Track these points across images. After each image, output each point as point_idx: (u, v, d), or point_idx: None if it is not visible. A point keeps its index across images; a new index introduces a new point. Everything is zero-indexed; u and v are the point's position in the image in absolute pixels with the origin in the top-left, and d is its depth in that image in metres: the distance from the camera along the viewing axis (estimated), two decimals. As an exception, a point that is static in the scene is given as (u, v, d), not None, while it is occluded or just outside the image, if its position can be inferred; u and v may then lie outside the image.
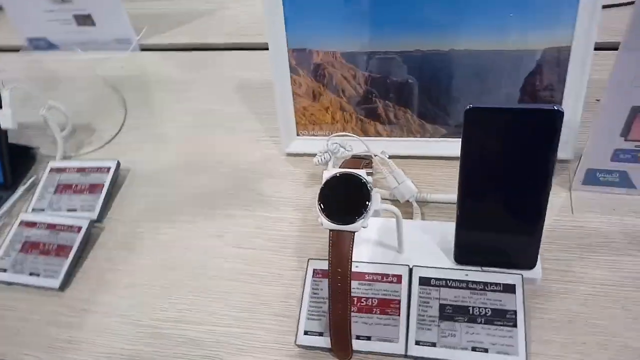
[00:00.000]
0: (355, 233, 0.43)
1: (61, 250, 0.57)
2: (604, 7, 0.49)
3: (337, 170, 0.45)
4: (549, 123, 0.39)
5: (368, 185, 0.43)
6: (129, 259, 0.57)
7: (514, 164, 0.42)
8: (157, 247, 0.57)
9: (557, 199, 0.53)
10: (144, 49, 0.86)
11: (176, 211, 0.60)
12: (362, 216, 0.43)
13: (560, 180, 0.55)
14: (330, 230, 0.43)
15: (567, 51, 0.52)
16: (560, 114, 0.39)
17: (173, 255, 0.56)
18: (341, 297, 0.43)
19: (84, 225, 0.59)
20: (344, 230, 0.43)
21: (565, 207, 0.53)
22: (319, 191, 0.44)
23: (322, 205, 0.43)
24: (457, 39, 0.53)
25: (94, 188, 0.63)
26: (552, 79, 0.54)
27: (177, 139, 0.69)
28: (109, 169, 0.64)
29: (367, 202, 0.43)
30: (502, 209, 0.45)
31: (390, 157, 0.54)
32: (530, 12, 0.51)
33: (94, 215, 0.61)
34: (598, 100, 0.59)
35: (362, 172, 0.44)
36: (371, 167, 0.55)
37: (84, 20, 0.86)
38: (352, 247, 0.43)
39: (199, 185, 0.63)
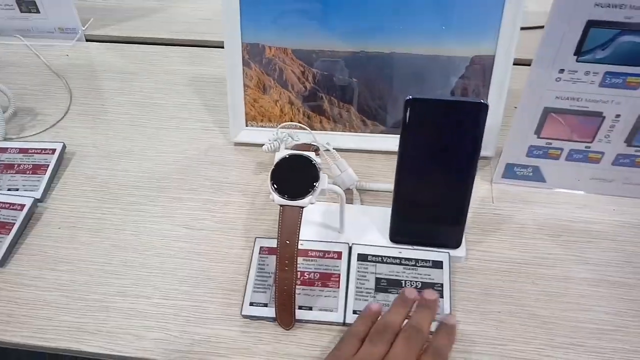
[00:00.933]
0: (302, 214, 0.46)
1: (2, 227, 0.57)
2: (522, 28, 0.57)
3: (289, 152, 0.48)
4: (476, 114, 0.45)
5: (317, 166, 0.47)
6: (74, 238, 0.57)
7: (445, 151, 0.48)
8: (103, 228, 0.58)
9: (481, 190, 0.60)
10: (90, 39, 0.86)
11: (123, 193, 0.61)
12: (311, 193, 0.47)
13: (484, 174, 0.61)
14: (281, 205, 0.47)
15: (491, 60, 0.59)
16: (485, 106, 0.45)
17: (119, 235, 0.57)
18: (288, 267, 0.46)
19: (27, 203, 0.58)
20: (293, 205, 0.46)
21: (487, 197, 0.59)
22: (271, 169, 0.47)
23: (274, 182, 0.47)
24: (397, 43, 0.59)
25: (37, 168, 0.63)
26: (479, 83, 0.61)
27: (123, 127, 0.70)
28: (54, 150, 0.64)
29: (315, 181, 0.47)
30: (433, 192, 0.50)
31: (334, 149, 0.59)
32: (459, 26, 0.58)
33: (38, 194, 0.60)
34: (516, 107, 0.68)
35: (311, 154, 0.48)
36: (318, 154, 0.59)
37: (28, 6, 0.85)
38: (300, 222, 0.46)
39: (145, 170, 0.64)
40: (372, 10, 0.58)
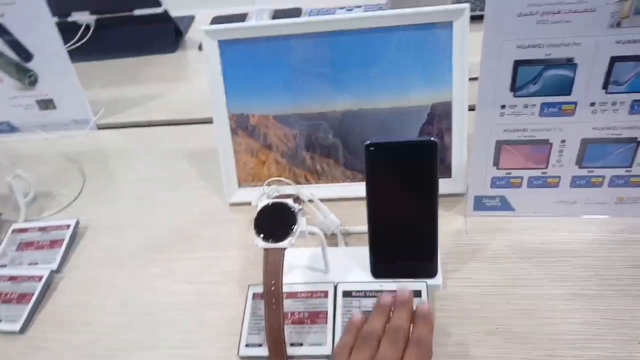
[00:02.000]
0: (289, 261, 0.52)
1: (22, 297, 0.63)
2: (471, 79, 0.64)
3: (270, 200, 0.54)
4: (428, 151, 0.51)
5: (294, 210, 0.53)
6: (86, 301, 0.63)
7: (406, 189, 0.54)
8: (112, 290, 0.64)
9: (456, 224, 0.64)
10: (101, 127, 0.96)
11: (129, 258, 0.67)
12: (290, 234, 0.52)
13: (458, 209, 0.66)
14: (264, 248, 0.52)
15: (449, 105, 0.65)
16: (435, 144, 0.51)
17: (127, 295, 0.63)
18: (275, 305, 0.51)
19: (45, 274, 0.65)
20: (275, 248, 0.52)
21: (462, 230, 0.64)
22: (254, 217, 0.53)
23: (257, 228, 0.53)
24: (362, 100, 0.67)
25: (54, 243, 0.70)
26: (442, 127, 0.67)
27: (130, 200, 0.77)
28: (68, 225, 0.72)
29: (294, 224, 0.52)
30: (403, 229, 0.55)
31: (321, 199, 0.64)
32: (417, 79, 0.65)
33: (54, 266, 0.67)
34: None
35: (289, 201, 0.54)
36: (300, 203, 0.65)
37: (46, 104, 0.96)
38: (282, 262, 0.52)
39: (149, 236, 0.70)
40: (338, 76, 0.66)
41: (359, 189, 0.69)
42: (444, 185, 0.66)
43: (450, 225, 0.64)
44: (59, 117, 0.96)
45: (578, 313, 0.53)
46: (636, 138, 0.56)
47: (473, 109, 0.59)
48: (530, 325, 0.52)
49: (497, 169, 0.61)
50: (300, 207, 0.54)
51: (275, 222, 0.53)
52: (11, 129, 0.99)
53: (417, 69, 0.65)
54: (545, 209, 0.63)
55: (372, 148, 0.52)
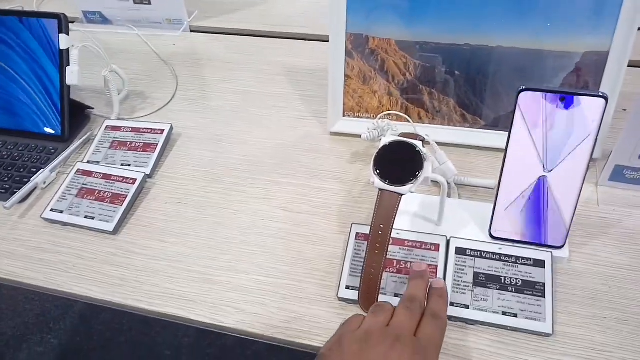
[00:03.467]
0: (399, 204, 0.47)
1: (116, 198, 0.61)
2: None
3: (395, 138, 0.49)
4: (594, 107, 0.44)
5: (422, 154, 0.48)
6: (179, 212, 0.61)
7: (555, 145, 0.47)
8: (206, 205, 0.61)
9: (584, 192, 0.57)
10: (194, 30, 0.91)
11: (224, 174, 0.64)
12: (412, 181, 0.47)
13: (588, 176, 0.58)
14: (380, 189, 0.47)
15: (604, 56, 0.56)
16: (605, 99, 0.43)
17: (222, 213, 0.60)
18: (379, 250, 0.47)
19: (139, 177, 0.63)
20: (392, 191, 0.47)
21: (592, 200, 0.57)
22: (375, 153, 0.48)
23: (376, 166, 0.48)
24: (504, 37, 0.58)
25: (147, 147, 0.67)
26: (589, 80, 0.58)
27: (225, 112, 0.74)
28: (162, 130, 0.69)
29: (419, 169, 0.47)
30: (539, 187, 0.49)
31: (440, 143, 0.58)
32: (573, 19, 0.56)
33: (147, 170, 0.65)
34: (625, 110, 0.64)
35: (418, 142, 0.48)
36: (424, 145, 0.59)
37: (141, -2, 0.91)
38: (397, 208, 0.47)
39: (245, 154, 0.67)
40: (478, 3, 0.58)
41: (478, 136, 0.63)
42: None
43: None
44: (153, 14, 0.92)
45: None
46: None
47: (633, 66, 0.50)
48: (667, 321, 0.47)
49: (655, 138, 0.52)
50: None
51: (398, 163, 0.48)
52: (103, 20, 0.96)
53: (574, 9, 0.55)
54: (698, 192, 0.55)
55: (526, 94, 0.45)
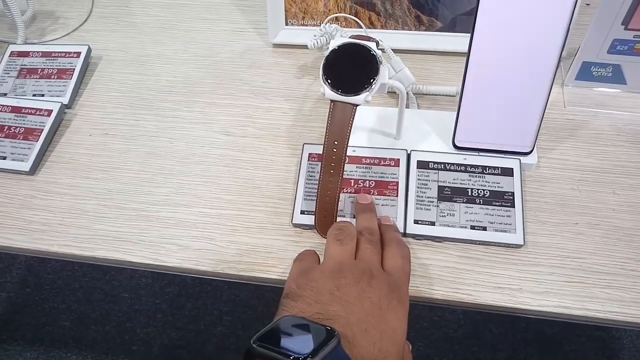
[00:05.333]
0: (355, 113, 0.41)
1: (29, 133, 0.53)
2: None
3: (345, 40, 0.42)
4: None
5: (377, 58, 0.41)
6: (107, 145, 0.53)
7: (524, 43, 0.41)
8: (137, 135, 0.54)
9: (554, 95, 0.53)
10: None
11: (156, 99, 0.57)
12: (367, 89, 0.41)
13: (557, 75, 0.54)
14: (332, 100, 0.41)
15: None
16: (579, -17, 0.38)
17: (155, 142, 0.53)
18: (334, 170, 0.42)
19: (55, 108, 0.54)
20: (346, 102, 0.41)
21: (558, 101, 0.53)
22: (323, 59, 0.42)
23: (326, 74, 0.41)
24: None
25: (62, 73, 0.58)
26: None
27: (151, 29, 0.64)
28: (79, 53, 0.59)
29: (374, 75, 0.41)
30: (506, 90, 0.44)
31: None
32: None
33: (65, 100, 0.56)
34: (588, 4, 0.59)
35: (372, 44, 0.42)
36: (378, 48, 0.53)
37: None
38: (352, 121, 0.41)
39: (178, 74, 0.59)
40: None
41: (435, 40, 0.57)
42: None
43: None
44: None
45: (696, 212, 0.45)
46: None
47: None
48: (638, 221, 0.44)
49: (625, 29, 0.48)
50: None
51: (350, 69, 0.42)
52: None
53: None
54: (667, 86, 0.52)
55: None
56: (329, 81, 0.41)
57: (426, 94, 0.54)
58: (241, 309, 1.11)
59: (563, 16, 0.40)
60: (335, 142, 0.42)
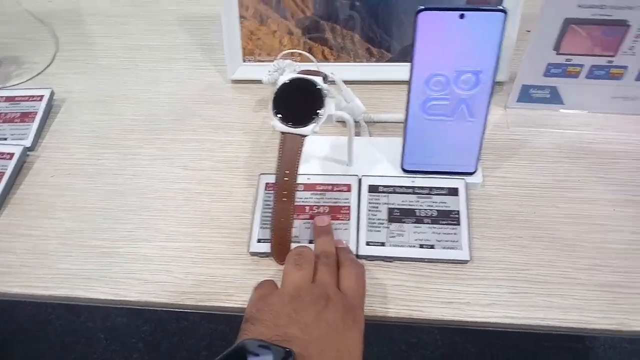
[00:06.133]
0: (304, 143, 0.43)
1: (-8, 177, 0.54)
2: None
3: (293, 75, 0.45)
4: (494, 23, 0.42)
5: (323, 91, 0.44)
6: (69, 184, 0.54)
7: (460, 68, 0.44)
8: (100, 173, 0.55)
9: (494, 116, 0.56)
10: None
11: (118, 138, 0.58)
12: (314, 120, 0.43)
13: (497, 99, 0.58)
14: (282, 132, 0.43)
15: (503, -27, 0.54)
16: (504, 14, 0.41)
17: (117, 180, 0.54)
18: (287, 198, 0.44)
19: (17, 151, 0.56)
20: (295, 134, 0.43)
21: (501, 123, 0.56)
22: (273, 94, 0.44)
23: (276, 107, 0.44)
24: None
25: (25, 117, 0.60)
26: (491, 1, 0.56)
27: (115, 71, 0.66)
28: (41, 97, 0.61)
29: (319, 108, 0.43)
30: (448, 112, 0.47)
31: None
32: None
33: (27, 143, 0.57)
34: (529, 31, 0.63)
35: (318, 78, 0.45)
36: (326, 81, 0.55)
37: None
38: (301, 151, 0.43)
39: (140, 113, 0.61)
40: None
41: (385, 70, 0.60)
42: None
43: (489, 117, 0.56)
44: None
45: (631, 221, 0.47)
46: None
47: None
48: (578, 232, 0.47)
49: (557, 54, 0.52)
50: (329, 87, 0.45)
51: (298, 102, 0.44)
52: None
53: None
54: (599, 104, 0.55)
55: (424, 13, 0.42)
56: (279, 114, 0.44)
57: (378, 122, 0.57)
58: (218, 343, 1.10)
59: (492, 45, 0.43)
60: (287, 172, 0.44)
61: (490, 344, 1.08)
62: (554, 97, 0.55)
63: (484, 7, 0.43)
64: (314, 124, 0.43)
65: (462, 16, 0.43)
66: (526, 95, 0.56)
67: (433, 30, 0.43)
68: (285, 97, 0.44)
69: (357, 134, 0.56)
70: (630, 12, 0.47)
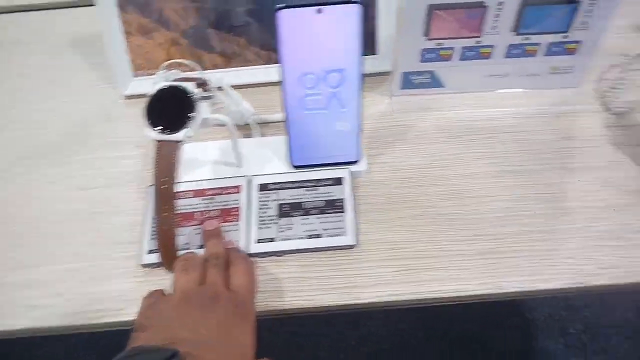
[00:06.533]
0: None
1: None
2: None
3: (163, 84, 0.45)
4: (351, 15, 0.43)
5: (192, 96, 0.45)
6: (-44, 218, 0.53)
7: (326, 60, 0.46)
8: (-10, 202, 0.54)
9: (381, 105, 0.58)
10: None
11: (9, 166, 0.57)
12: (186, 125, 0.44)
13: (383, 89, 0.60)
14: (157, 140, 0.44)
15: (371, -32, 0.56)
16: (358, 7, 0.43)
17: (8, 210, 0.53)
18: (167, 205, 0.44)
19: None
20: (169, 140, 0.44)
21: (387, 111, 0.58)
22: (145, 103, 0.45)
23: (148, 117, 0.44)
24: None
25: None
26: (365, -3, 0.58)
27: (4, 93, 0.65)
28: None
29: (190, 112, 0.44)
30: (322, 106, 0.48)
31: (234, 86, 0.56)
32: None
33: None
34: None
35: (187, 84, 0.45)
36: (208, 90, 0.56)
37: None
38: (177, 157, 0.44)
39: (31, 139, 0.60)
40: None
41: (274, 71, 0.62)
42: (370, 64, 0.59)
43: (376, 106, 0.58)
44: None
45: (506, 190, 0.50)
46: (575, -2, 0.50)
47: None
48: (458, 206, 0.49)
49: (428, 39, 0.54)
50: (207, 93, 0.46)
51: (169, 109, 0.45)
52: None
53: None
54: (477, 83, 0.58)
55: (283, 11, 0.44)
56: (151, 122, 0.44)
57: (270, 122, 0.58)
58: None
59: (353, 39, 0.45)
60: (164, 179, 0.44)
61: (436, 327, 1.11)
62: (434, 81, 0.58)
63: (339, 1, 0.44)
64: (186, 129, 0.44)
65: (319, 11, 0.44)
66: (408, 82, 0.58)
67: (295, 28, 0.45)
68: (157, 105, 0.45)
69: (249, 135, 0.57)
70: (484, -7, 0.50)
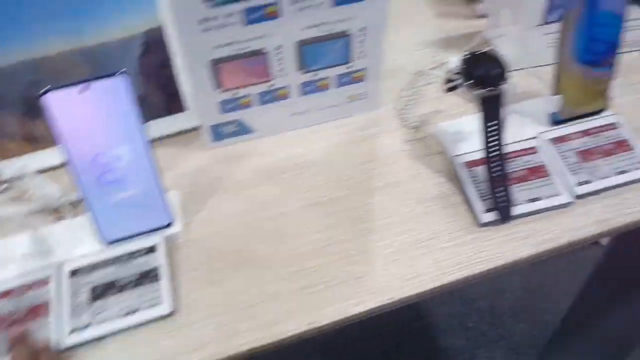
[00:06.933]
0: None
1: None
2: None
3: None
4: (120, 87, 0.44)
5: None
6: None
7: (106, 134, 0.45)
8: None
9: (197, 160, 0.58)
10: None
11: None
12: None
13: (198, 144, 0.60)
14: None
15: (164, 30, 0.57)
16: (126, 77, 0.43)
17: None
18: None
19: None
20: None
21: (206, 165, 0.58)
22: None
23: None
24: (69, 37, 0.54)
25: None
26: (164, 56, 0.58)
27: None
28: None
29: None
30: (118, 179, 0.48)
31: (41, 170, 0.54)
32: (118, 5, 0.55)
33: None
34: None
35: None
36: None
37: None
38: None
39: None
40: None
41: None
42: (179, 121, 0.60)
43: (191, 162, 0.58)
44: None
45: (316, 222, 0.52)
46: (345, 31, 0.54)
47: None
48: (275, 245, 0.50)
49: (222, 91, 0.55)
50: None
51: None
52: None
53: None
54: (283, 124, 0.60)
55: (48, 95, 0.43)
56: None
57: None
58: None
59: (128, 109, 0.45)
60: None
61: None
62: (242, 129, 0.59)
63: (103, 75, 0.44)
64: None
65: (85, 88, 0.44)
66: (218, 133, 0.59)
67: (66, 109, 0.44)
68: None
69: (62, 217, 0.54)
70: (261, 40, 0.52)
